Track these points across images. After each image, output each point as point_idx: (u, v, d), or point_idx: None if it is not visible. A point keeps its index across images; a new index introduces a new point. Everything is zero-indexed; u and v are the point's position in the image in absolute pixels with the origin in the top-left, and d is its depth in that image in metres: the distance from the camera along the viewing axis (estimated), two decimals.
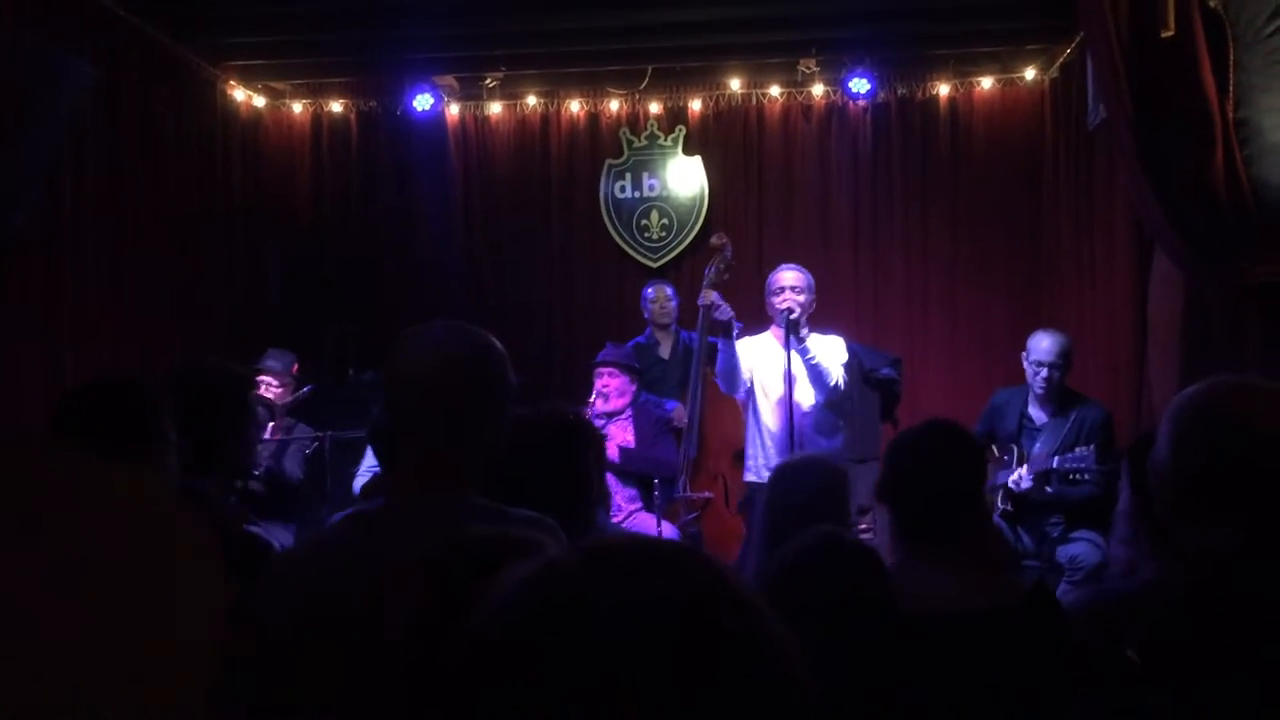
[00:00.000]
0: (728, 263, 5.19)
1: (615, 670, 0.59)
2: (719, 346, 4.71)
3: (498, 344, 1.69)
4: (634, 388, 5.28)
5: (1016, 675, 1.88)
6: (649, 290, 6.16)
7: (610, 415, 5.17)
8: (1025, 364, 4.71)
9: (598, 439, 2.37)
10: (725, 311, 4.65)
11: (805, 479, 2.71)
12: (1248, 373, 3.50)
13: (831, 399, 4.68)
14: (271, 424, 4.97)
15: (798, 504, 2.58)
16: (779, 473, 2.84)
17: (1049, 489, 4.53)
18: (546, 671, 0.60)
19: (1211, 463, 1.64)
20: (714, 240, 5.43)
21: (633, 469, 5.04)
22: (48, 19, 4.77)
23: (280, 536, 4.49)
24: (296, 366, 5.63)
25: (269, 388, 5.28)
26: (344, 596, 1.49)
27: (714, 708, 0.60)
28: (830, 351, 4.65)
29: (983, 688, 1.88)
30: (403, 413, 1.66)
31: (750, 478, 4.79)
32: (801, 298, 4.59)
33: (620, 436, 5.10)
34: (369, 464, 4.88)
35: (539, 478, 2.07)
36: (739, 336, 4.73)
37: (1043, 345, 4.63)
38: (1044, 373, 4.60)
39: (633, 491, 5.07)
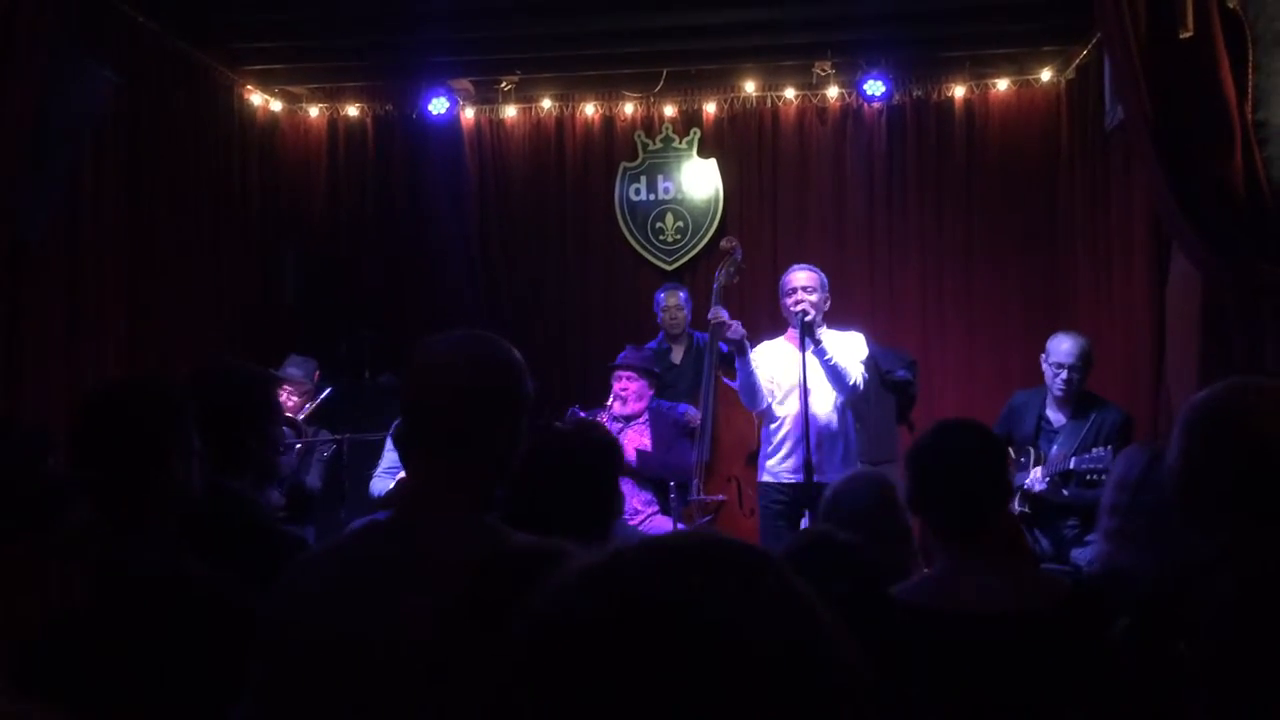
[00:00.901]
0: (738, 265, 5.19)
1: (674, 664, 0.60)
2: (736, 366, 4.70)
3: (516, 354, 1.67)
4: (652, 392, 5.28)
5: (1064, 673, 1.88)
6: (661, 297, 6.12)
7: (628, 419, 5.17)
8: (1044, 365, 4.69)
9: (621, 458, 2.40)
10: (737, 331, 4.62)
11: (859, 495, 2.70)
12: (1266, 372, 3.49)
13: (851, 399, 4.66)
14: (298, 445, 4.99)
15: (852, 520, 2.59)
16: (829, 502, 2.81)
17: (1065, 491, 4.51)
18: (610, 663, 0.61)
19: (1224, 464, 1.64)
20: (723, 244, 5.43)
21: (649, 473, 5.04)
22: (68, 25, 4.81)
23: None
24: (318, 374, 5.64)
25: (289, 395, 5.29)
26: (352, 613, 1.49)
27: (769, 703, 0.61)
28: (849, 349, 4.63)
29: (1033, 685, 1.88)
30: (415, 424, 1.65)
31: (765, 478, 4.79)
32: (814, 297, 4.58)
33: (637, 440, 5.10)
34: (386, 465, 4.91)
35: (565, 497, 2.09)
36: (752, 349, 4.73)
37: (1063, 347, 4.61)
38: (1064, 375, 4.58)
39: (649, 495, 5.07)
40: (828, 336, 4.61)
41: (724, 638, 0.61)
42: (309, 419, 5.28)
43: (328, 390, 5.51)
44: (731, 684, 0.60)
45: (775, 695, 0.61)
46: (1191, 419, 1.70)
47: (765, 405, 4.75)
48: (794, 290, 4.60)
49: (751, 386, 4.66)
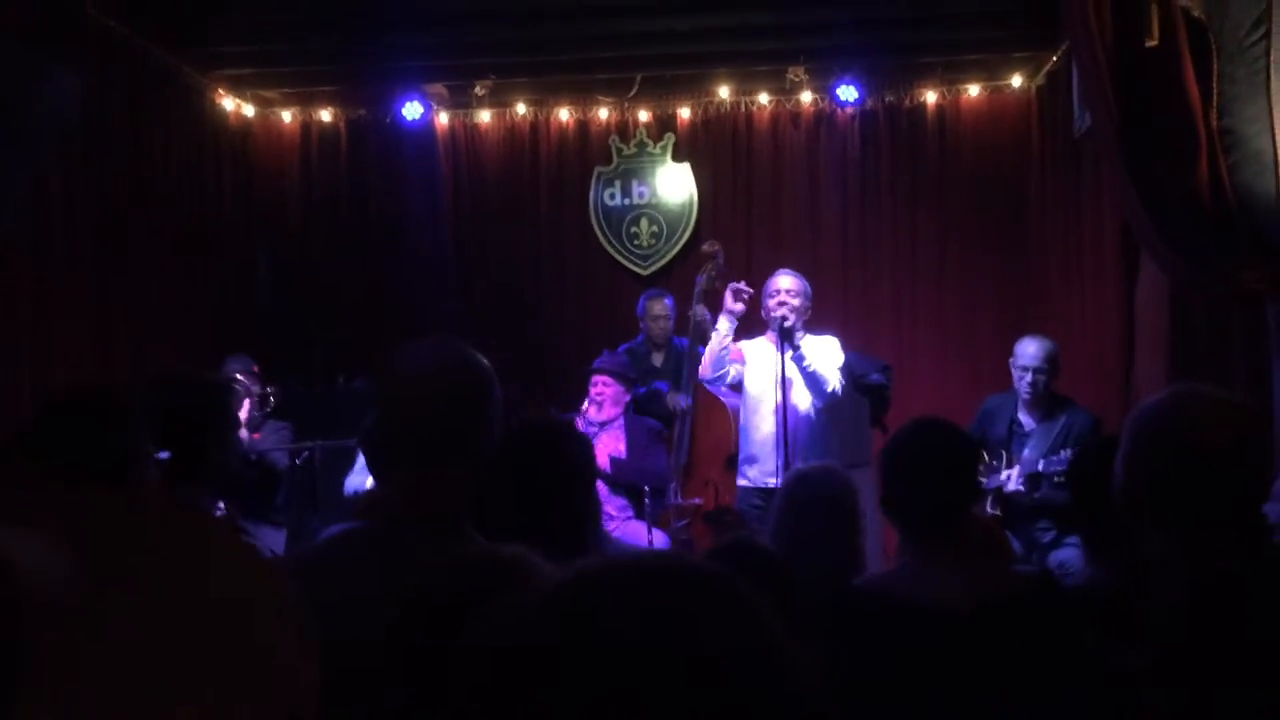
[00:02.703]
0: (720, 270, 5.19)
1: (632, 684, 0.60)
2: (714, 329, 4.74)
3: (484, 362, 1.67)
4: (628, 397, 5.26)
5: (1030, 666, 1.91)
6: (650, 305, 6.01)
7: (603, 424, 5.16)
8: (1012, 369, 4.73)
9: (589, 445, 2.38)
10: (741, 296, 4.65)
11: (819, 487, 2.73)
12: (1232, 379, 3.53)
13: (828, 404, 4.68)
14: (262, 450, 4.98)
15: (810, 509, 2.61)
16: (794, 480, 2.85)
17: (1037, 494, 4.55)
18: (569, 691, 0.61)
19: (1160, 473, 1.66)
20: (705, 247, 5.42)
21: (623, 479, 5.02)
22: (36, 28, 4.77)
23: (271, 540, 4.47)
24: (257, 367, 5.65)
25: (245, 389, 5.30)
26: (338, 624, 1.47)
27: None
28: (826, 353, 4.66)
29: (1000, 680, 1.90)
30: (390, 434, 1.65)
31: (742, 483, 4.80)
32: (796, 302, 4.61)
33: (611, 446, 5.09)
34: (360, 465, 4.88)
35: (538, 490, 2.05)
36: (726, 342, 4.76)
37: (1029, 350, 4.65)
38: (1029, 378, 4.62)
39: (623, 500, 5.06)
40: (806, 342, 4.63)
41: (688, 665, 0.61)
42: (266, 415, 5.29)
43: (272, 389, 5.51)
44: (693, 712, 0.60)
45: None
46: (1134, 427, 1.71)
47: (721, 379, 4.80)
48: (777, 292, 4.62)
49: (720, 358, 4.69)
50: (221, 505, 4.33)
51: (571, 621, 0.63)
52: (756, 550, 2.07)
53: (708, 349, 4.80)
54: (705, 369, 4.83)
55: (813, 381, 4.56)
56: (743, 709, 0.62)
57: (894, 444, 2.19)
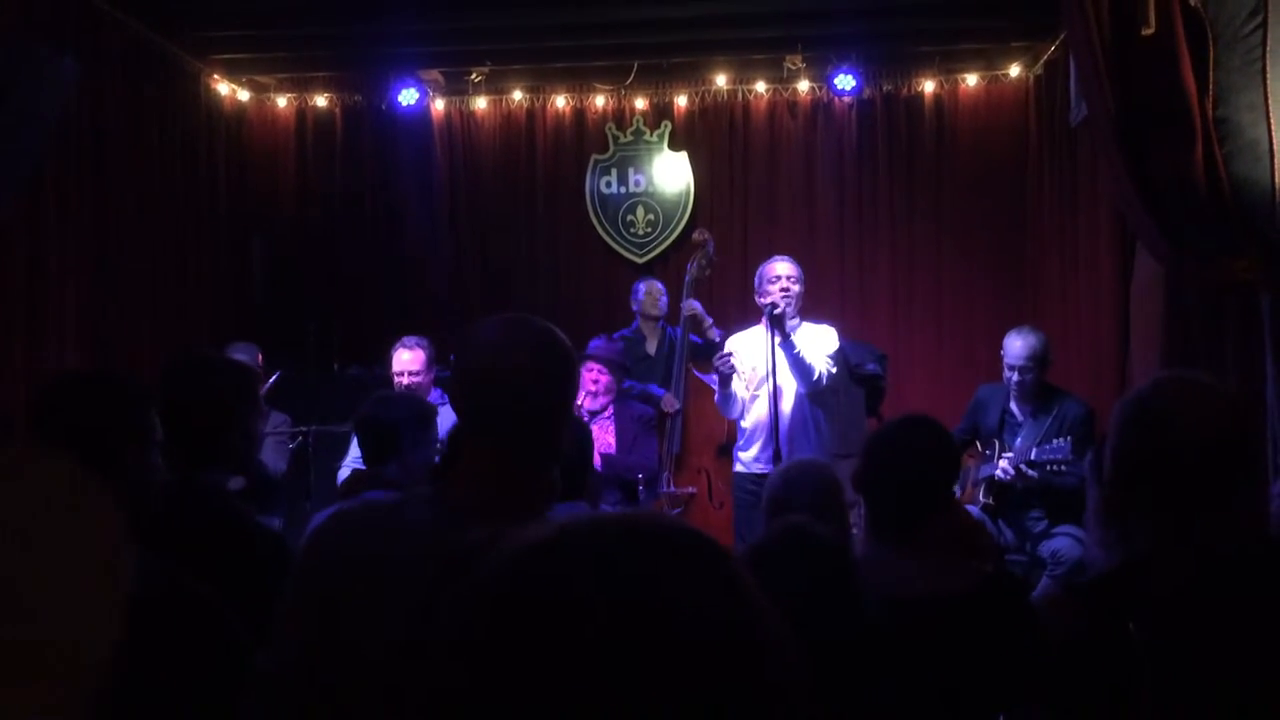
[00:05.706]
0: (709, 259, 5.19)
1: (614, 645, 0.60)
2: (717, 393, 4.73)
3: (568, 341, 1.65)
4: (619, 386, 5.26)
5: (977, 657, 1.93)
6: (640, 285, 6.15)
7: (593, 414, 5.15)
8: (1004, 363, 4.73)
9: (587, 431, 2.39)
10: (727, 364, 4.54)
11: (804, 482, 2.76)
12: (1226, 369, 3.53)
13: (813, 391, 4.68)
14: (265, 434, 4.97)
15: (797, 505, 2.63)
16: (780, 476, 2.88)
17: (1030, 483, 4.55)
18: (550, 641, 0.60)
19: (1143, 460, 1.66)
20: (695, 236, 5.43)
21: (614, 475, 5.01)
22: (31, 14, 4.75)
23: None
24: (261, 357, 5.64)
25: None
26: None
27: (703, 689, 0.61)
28: (819, 342, 4.66)
29: (943, 669, 1.92)
30: (480, 411, 1.56)
31: (738, 468, 4.82)
32: (797, 287, 4.62)
33: (601, 440, 5.05)
34: (354, 455, 4.88)
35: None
36: (722, 339, 4.75)
37: (1014, 349, 4.62)
38: (1016, 377, 4.61)
39: (615, 494, 5.04)
40: (801, 330, 4.63)
41: (667, 619, 0.61)
42: (265, 402, 5.28)
43: (276, 374, 5.51)
44: (670, 666, 0.60)
45: (711, 682, 0.61)
46: (1121, 413, 1.72)
47: (739, 415, 4.79)
48: (776, 279, 4.62)
49: (729, 403, 4.70)
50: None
51: (539, 580, 0.63)
52: (817, 537, 2.07)
53: (716, 399, 4.78)
54: (721, 411, 4.84)
55: (799, 367, 4.55)
56: (716, 675, 0.61)
57: (879, 433, 2.27)
